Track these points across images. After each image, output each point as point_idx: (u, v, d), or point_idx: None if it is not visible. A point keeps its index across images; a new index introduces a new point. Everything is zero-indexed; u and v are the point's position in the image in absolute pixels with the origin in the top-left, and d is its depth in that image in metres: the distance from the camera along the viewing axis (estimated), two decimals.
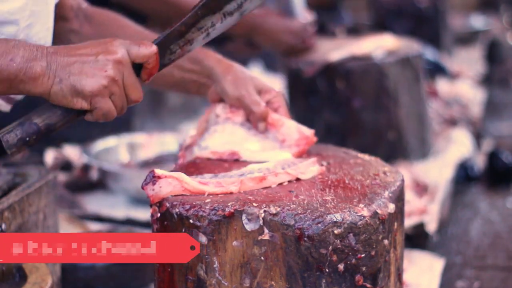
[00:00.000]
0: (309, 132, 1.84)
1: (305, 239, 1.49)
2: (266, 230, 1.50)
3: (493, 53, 5.04)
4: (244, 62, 4.34)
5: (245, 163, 1.76)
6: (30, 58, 1.51)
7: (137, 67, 1.60)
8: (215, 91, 1.91)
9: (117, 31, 1.93)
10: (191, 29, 1.63)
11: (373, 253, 1.53)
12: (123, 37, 1.87)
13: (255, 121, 1.85)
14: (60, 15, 1.90)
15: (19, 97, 1.78)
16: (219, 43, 3.52)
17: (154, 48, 1.60)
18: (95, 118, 1.57)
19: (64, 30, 1.94)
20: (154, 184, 1.57)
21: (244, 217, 1.51)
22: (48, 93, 1.53)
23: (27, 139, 1.53)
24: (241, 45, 3.36)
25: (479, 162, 3.32)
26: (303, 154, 1.81)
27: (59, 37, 1.94)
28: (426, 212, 2.66)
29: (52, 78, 1.51)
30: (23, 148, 1.53)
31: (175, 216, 1.55)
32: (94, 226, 2.56)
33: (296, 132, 1.84)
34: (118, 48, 1.56)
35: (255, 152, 1.81)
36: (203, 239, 1.53)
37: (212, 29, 1.65)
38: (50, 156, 3.01)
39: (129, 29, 1.96)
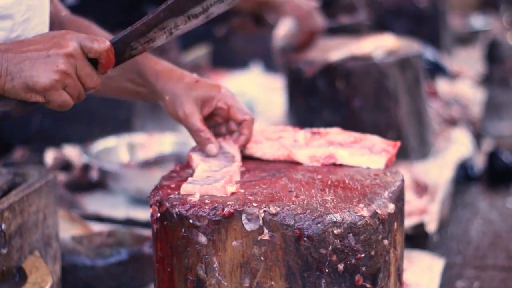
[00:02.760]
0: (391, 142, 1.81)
1: (305, 239, 1.49)
2: (265, 230, 1.50)
3: (493, 53, 5.03)
4: (244, 62, 4.36)
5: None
6: None
7: (95, 59, 1.60)
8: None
9: None
10: (153, 29, 1.61)
11: (372, 253, 1.53)
12: None
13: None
14: None
15: None
16: (225, 19, 3.48)
17: (106, 45, 1.58)
18: (52, 108, 1.58)
19: None
20: None
21: (244, 217, 1.51)
22: (2, 90, 1.53)
23: None
24: (248, 21, 3.33)
25: (479, 162, 3.32)
26: (392, 162, 1.78)
27: None
28: (426, 212, 2.66)
29: (4, 76, 1.52)
30: None
31: (175, 216, 1.55)
32: (94, 226, 2.56)
33: (380, 141, 1.81)
34: (70, 42, 1.55)
35: (349, 156, 1.77)
36: (203, 239, 1.53)
37: (175, 29, 1.62)
38: (50, 156, 3.02)
39: None
